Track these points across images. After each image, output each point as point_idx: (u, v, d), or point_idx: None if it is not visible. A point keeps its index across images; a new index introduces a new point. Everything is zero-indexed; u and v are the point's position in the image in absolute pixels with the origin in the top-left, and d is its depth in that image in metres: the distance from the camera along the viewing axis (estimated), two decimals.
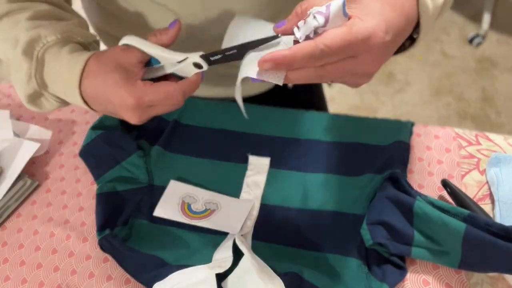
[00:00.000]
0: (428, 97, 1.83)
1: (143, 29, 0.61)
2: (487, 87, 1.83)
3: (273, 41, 0.39)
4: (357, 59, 0.36)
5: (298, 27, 0.37)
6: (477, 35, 1.97)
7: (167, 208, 0.57)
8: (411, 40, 0.44)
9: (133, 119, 0.45)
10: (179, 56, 0.45)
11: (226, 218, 0.55)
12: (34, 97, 0.51)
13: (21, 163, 0.64)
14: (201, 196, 0.58)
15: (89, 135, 0.64)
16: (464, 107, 1.78)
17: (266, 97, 0.75)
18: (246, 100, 0.79)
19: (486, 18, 1.98)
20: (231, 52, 0.41)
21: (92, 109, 0.50)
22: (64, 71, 0.47)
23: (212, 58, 0.43)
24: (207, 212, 0.56)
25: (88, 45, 0.52)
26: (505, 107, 1.76)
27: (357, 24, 0.34)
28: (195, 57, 0.44)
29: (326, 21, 0.34)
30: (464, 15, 2.11)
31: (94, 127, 0.64)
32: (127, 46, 0.46)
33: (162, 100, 0.44)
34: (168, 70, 0.47)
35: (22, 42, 0.48)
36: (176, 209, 0.57)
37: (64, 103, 0.53)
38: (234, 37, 0.44)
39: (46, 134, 0.69)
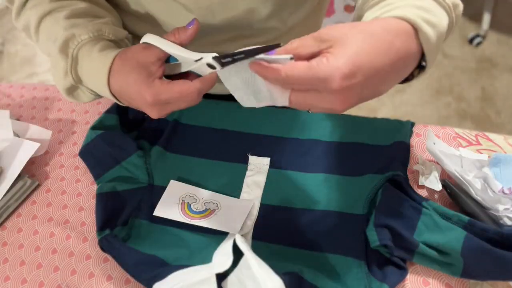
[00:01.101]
0: (428, 97, 1.83)
1: (150, 21, 0.63)
2: (487, 87, 1.83)
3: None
4: (320, 94, 0.37)
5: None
6: (477, 35, 1.97)
7: (167, 208, 0.57)
8: (419, 68, 0.43)
9: (153, 114, 0.49)
10: (195, 55, 0.48)
11: (226, 218, 0.55)
12: (71, 90, 0.55)
13: (21, 163, 0.64)
14: (201, 196, 0.58)
15: (89, 135, 0.64)
16: (464, 107, 1.78)
17: None
18: None
19: (486, 18, 1.98)
20: (239, 56, 0.42)
21: (121, 103, 0.53)
22: (95, 68, 0.51)
23: (223, 60, 0.45)
24: (207, 212, 0.56)
25: (119, 42, 0.56)
26: (505, 107, 1.76)
27: (320, 63, 0.36)
28: (209, 58, 0.46)
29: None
30: (464, 15, 2.11)
31: (94, 127, 0.64)
32: (147, 45, 0.49)
33: (177, 98, 0.47)
34: (185, 68, 0.50)
35: (59, 40, 0.52)
36: (176, 209, 0.57)
37: (98, 95, 0.56)
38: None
39: (46, 134, 0.69)
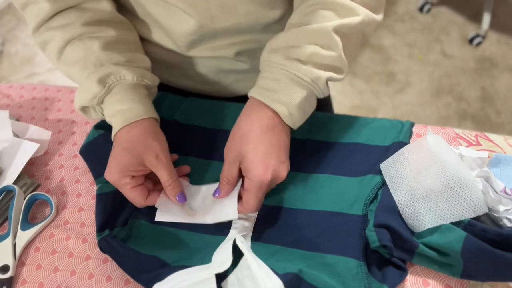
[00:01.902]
0: (428, 97, 1.83)
1: (154, 24, 0.63)
2: (487, 87, 1.83)
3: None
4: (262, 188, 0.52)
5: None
6: (477, 35, 1.98)
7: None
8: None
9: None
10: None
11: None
12: (86, 109, 0.59)
13: (21, 163, 0.64)
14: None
15: (91, 134, 0.64)
16: (464, 107, 1.78)
17: None
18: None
19: (486, 18, 1.98)
20: None
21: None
22: (116, 114, 0.56)
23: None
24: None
25: (152, 88, 0.62)
26: (505, 107, 1.76)
27: (248, 186, 0.51)
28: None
29: None
30: (464, 15, 2.12)
31: (96, 126, 0.64)
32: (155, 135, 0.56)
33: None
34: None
35: (100, 72, 0.56)
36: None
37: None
38: None
39: (46, 134, 0.69)
